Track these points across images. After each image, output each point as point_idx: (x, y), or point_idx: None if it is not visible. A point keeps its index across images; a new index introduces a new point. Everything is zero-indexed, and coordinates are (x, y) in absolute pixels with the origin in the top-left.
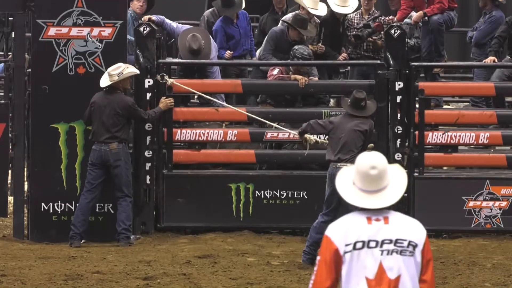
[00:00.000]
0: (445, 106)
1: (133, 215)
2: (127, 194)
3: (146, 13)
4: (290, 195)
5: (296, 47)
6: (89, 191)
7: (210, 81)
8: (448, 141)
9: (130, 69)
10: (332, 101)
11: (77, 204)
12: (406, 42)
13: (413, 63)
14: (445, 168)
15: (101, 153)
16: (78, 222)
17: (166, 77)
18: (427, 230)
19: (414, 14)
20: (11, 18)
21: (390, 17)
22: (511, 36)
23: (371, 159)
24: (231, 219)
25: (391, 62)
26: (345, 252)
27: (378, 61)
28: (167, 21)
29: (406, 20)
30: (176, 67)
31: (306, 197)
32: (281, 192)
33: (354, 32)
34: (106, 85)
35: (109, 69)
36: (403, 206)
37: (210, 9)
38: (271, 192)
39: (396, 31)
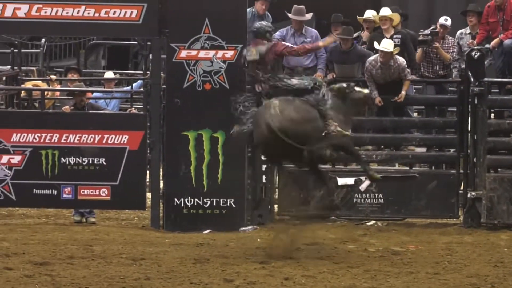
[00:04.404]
0: None
1: (251, 209)
2: None
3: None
4: None
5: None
6: None
7: None
8: None
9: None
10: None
11: None
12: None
13: (484, 79)
14: None
15: None
16: None
17: None
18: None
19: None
20: (149, 43)
21: (470, 40)
22: None
23: None
24: None
25: (472, 79)
26: None
27: (460, 79)
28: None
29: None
30: None
31: None
32: None
33: (420, 38)
34: None
35: None
36: None
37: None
38: None
39: (476, 53)
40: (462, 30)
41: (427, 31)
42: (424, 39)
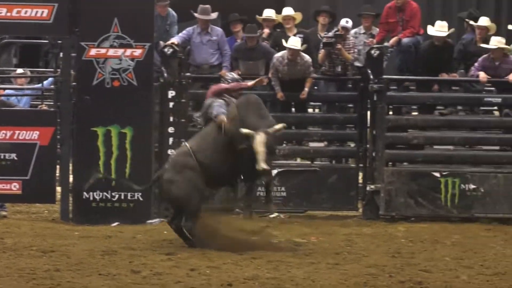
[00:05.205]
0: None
1: (158, 202)
2: None
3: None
4: None
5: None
6: None
7: None
8: None
9: None
10: None
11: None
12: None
13: (383, 76)
14: None
15: None
16: None
17: None
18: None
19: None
20: (60, 41)
21: (370, 39)
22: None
23: None
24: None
25: (371, 77)
26: None
27: (360, 76)
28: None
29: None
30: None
31: None
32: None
33: (324, 40)
34: None
35: None
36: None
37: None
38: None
39: (375, 52)
40: (356, 30)
41: (331, 34)
42: (329, 41)
